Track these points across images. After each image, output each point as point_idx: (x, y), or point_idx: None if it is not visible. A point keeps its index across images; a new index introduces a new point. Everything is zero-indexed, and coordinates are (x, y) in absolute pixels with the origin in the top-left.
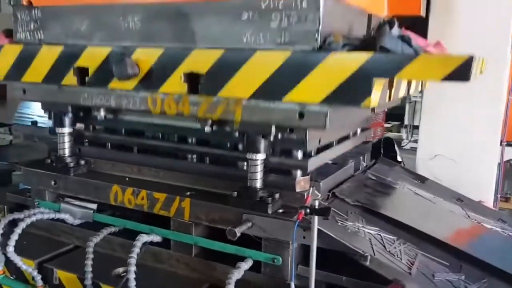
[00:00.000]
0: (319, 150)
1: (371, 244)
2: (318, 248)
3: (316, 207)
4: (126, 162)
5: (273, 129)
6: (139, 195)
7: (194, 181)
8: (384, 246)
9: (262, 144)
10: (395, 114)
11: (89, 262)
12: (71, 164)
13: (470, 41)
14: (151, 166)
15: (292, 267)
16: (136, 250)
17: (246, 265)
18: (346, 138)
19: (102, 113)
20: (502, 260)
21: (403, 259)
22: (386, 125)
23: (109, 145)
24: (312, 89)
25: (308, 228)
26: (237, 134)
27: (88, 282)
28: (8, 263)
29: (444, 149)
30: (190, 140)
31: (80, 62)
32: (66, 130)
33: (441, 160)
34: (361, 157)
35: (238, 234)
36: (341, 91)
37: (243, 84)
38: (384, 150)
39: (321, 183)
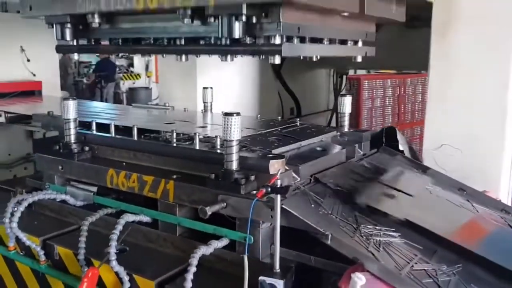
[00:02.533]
0: (302, 41)
1: (340, 226)
2: (296, 230)
3: (278, 186)
4: (124, 147)
5: (244, 8)
6: (130, 178)
7: (182, 165)
8: (355, 229)
9: (236, 27)
10: None
11: (82, 239)
12: (76, 150)
13: (474, 26)
14: (144, 151)
15: (247, 242)
16: (119, 227)
17: (219, 243)
18: (340, 42)
19: (96, 19)
20: (483, 246)
21: (371, 242)
22: None
23: (112, 130)
24: None
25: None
26: (213, 20)
27: (81, 257)
28: (19, 241)
29: (450, 138)
30: (178, 42)
31: None
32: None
33: (447, 150)
34: (357, 145)
35: (209, 213)
36: None
37: None
38: (387, 139)
39: (300, 167)
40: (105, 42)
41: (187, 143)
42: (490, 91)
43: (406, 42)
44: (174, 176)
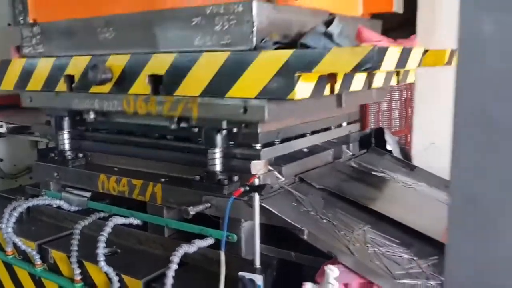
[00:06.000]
0: (283, 141)
1: (319, 223)
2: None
3: (256, 184)
4: (116, 154)
5: (224, 123)
6: (121, 183)
7: (170, 169)
8: (334, 225)
9: (218, 138)
10: None
11: (75, 242)
12: (70, 157)
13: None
14: (134, 157)
15: (223, 239)
16: (108, 229)
17: (202, 242)
18: (324, 129)
19: (91, 115)
20: None
21: (348, 237)
22: None
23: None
24: (249, 85)
25: None
26: (196, 129)
27: (73, 259)
28: (16, 245)
29: (438, 138)
30: (168, 137)
31: (68, 71)
32: (65, 131)
33: (435, 149)
34: (345, 146)
35: (192, 213)
36: (271, 85)
37: (194, 83)
38: (376, 140)
39: (283, 168)
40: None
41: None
42: None
43: None
44: (162, 180)
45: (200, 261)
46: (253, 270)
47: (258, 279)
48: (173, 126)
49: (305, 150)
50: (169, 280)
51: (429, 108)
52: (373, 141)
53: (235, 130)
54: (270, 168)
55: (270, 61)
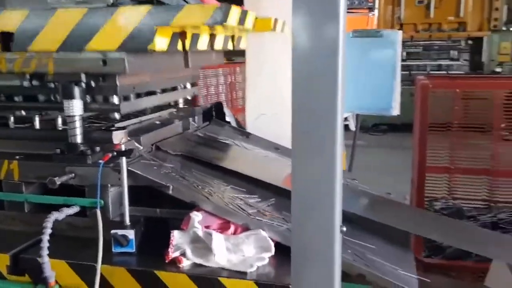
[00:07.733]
0: (139, 96)
1: (180, 180)
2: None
3: (122, 150)
4: None
5: (83, 76)
6: None
7: (25, 146)
8: (192, 182)
9: (76, 90)
10: None
11: None
12: None
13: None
14: None
15: (98, 203)
16: None
17: (69, 210)
18: (172, 88)
19: None
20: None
21: (207, 190)
22: None
23: None
24: (108, 39)
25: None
26: (53, 85)
27: None
28: None
29: (268, 108)
30: (16, 98)
31: None
32: None
33: (265, 119)
34: (191, 119)
35: (58, 183)
36: (132, 38)
37: (50, 39)
38: (216, 113)
39: (141, 137)
40: None
41: (26, 125)
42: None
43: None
44: (17, 157)
45: (67, 230)
46: (124, 227)
47: (130, 233)
48: (25, 84)
49: (158, 122)
50: (45, 244)
51: (255, 89)
52: (214, 114)
53: (93, 84)
54: (129, 138)
55: (129, 15)
